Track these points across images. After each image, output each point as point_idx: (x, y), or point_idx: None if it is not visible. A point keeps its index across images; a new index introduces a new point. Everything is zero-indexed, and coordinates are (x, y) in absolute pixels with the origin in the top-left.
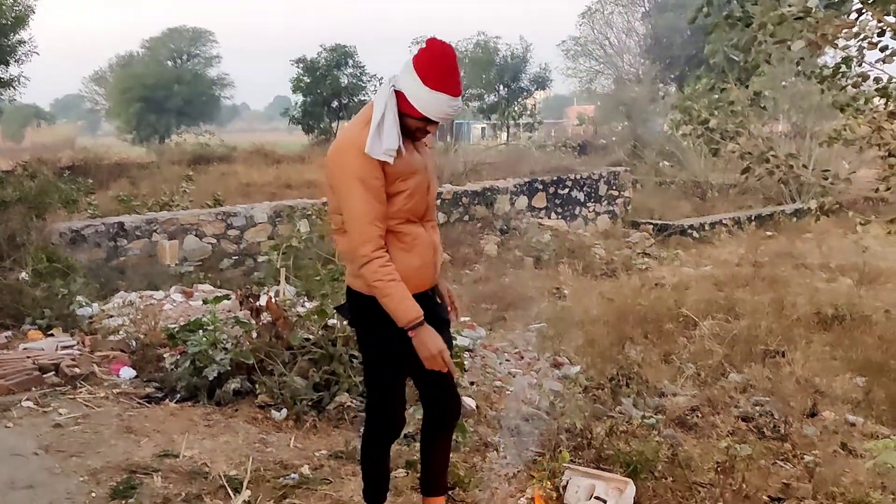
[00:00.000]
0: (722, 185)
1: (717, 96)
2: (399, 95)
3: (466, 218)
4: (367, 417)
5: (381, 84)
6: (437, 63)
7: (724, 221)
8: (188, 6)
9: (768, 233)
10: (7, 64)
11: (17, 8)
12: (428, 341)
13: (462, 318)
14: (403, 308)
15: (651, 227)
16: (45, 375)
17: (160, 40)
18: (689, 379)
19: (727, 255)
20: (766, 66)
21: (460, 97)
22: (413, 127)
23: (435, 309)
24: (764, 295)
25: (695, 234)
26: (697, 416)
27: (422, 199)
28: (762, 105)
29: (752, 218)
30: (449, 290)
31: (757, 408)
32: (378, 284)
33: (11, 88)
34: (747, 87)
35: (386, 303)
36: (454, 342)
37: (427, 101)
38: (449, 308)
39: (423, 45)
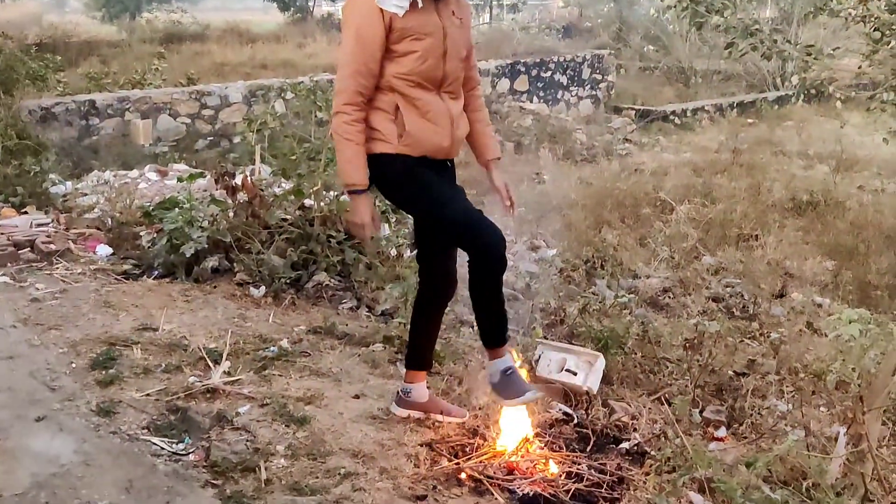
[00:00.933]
0: (706, 71)
1: None
2: None
3: None
4: (421, 282)
5: None
6: None
7: (706, 108)
8: None
9: (749, 120)
10: None
11: None
12: (358, 210)
13: None
14: (347, 169)
15: (633, 112)
16: (20, 252)
17: None
18: (664, 262)
19: (707, 142)
20: None
21: None
22: None
23: (450, 183)
24: (741, 181)
25: (676, 120)
26: (669, 297)
27: (436, 64)
28: None
29: (735, 105)
30: (506, 184)
31: (728, 289)
32: (336, 138)
33: None
34: None
35: (338, 158)
36: None
37: None
38: (507, 203)
39: None
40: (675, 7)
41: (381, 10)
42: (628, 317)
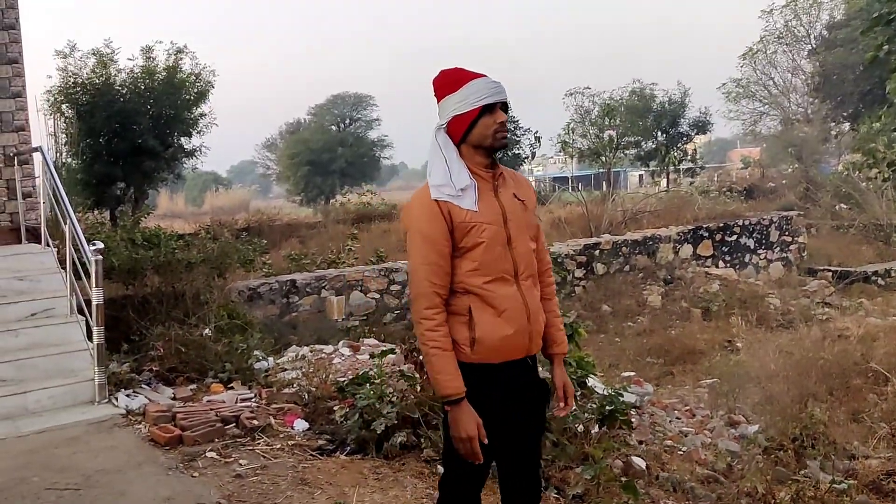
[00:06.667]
0: None
1: None
2: (451, 129)
3: (627, 268)
4: (441, 496)
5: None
6: (448, 74)
7: None
8: (349, 73)
9: None
10: (190, 135)
11: (198, 84)
12: (461, 422)
13: (626, 374)
14: (442, 380)
15: (830, 274)
16: (226, 427)
17: (325, 107)
18: (883, 440)
19: None
20: None
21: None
22: (486, 134)
23: (531, 384)
24: None
25: (879, 280)
26: (895, 482)
27: (503, 253)
28: None
29: None
30: (566, 383)
31: None
32: (423, 348)
33: (194, 157)
34: None
35: (427, 368)
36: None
37: (469, 96)
38: (561, 402)
39: (440, 80)
40: (875, 178)
41: (439, 203)
42: None
